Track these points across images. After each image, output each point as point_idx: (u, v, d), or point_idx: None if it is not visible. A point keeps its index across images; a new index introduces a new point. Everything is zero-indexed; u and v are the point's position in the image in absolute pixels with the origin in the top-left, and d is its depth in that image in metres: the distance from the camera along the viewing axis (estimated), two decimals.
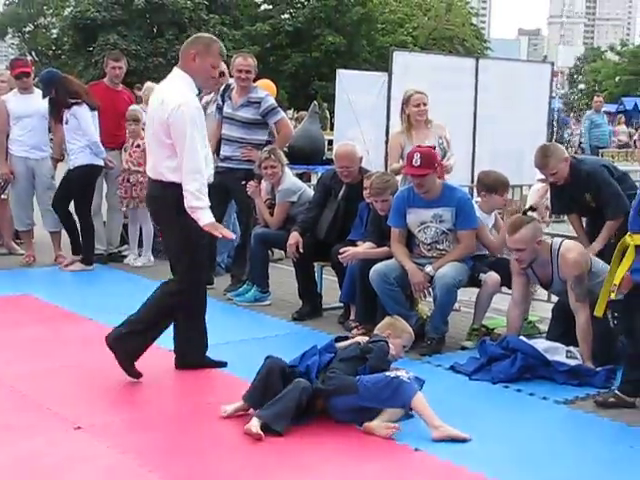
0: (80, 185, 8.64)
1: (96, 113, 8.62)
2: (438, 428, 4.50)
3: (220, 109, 7.81)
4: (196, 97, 5.29)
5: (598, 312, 5.37)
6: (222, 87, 7.89)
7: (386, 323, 5.27)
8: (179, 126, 5.07)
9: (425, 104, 7.33)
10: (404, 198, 6.35)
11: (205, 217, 5.11)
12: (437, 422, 4.53)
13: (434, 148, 6.53)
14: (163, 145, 5.18)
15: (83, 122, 8.48)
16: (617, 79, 62.60)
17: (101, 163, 8.72)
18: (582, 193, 6.26)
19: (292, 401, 4.54)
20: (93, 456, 4.26)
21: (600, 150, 17.84)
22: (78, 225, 8.76)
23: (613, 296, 4.93)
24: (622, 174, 6.51)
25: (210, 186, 7.86)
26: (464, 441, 4.47)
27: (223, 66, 8.15)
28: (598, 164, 6.50)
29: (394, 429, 4.50)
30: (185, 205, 5.09)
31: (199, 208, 5.09)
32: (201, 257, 5.46)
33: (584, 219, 6.60)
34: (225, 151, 7.74)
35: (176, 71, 5.32)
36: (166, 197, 5.21)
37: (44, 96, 8.60)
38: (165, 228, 5.58)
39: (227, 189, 7.73)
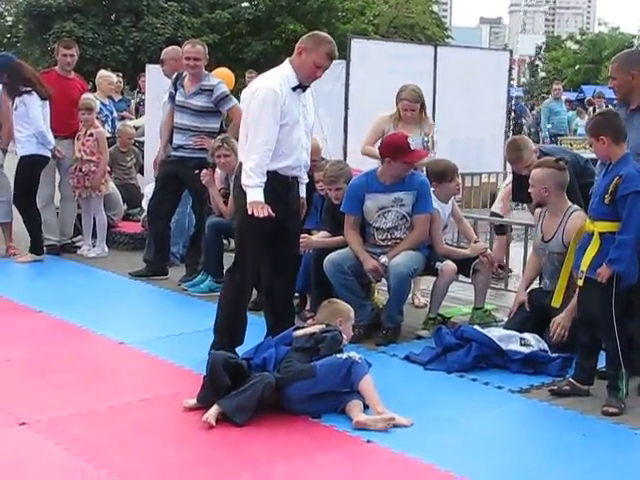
0: (22, 175, 8.46)
1: (47, 102, 8.44)
2: (381, 414, 4.49)
3: (172, 97, 7.67)
4: (287, 87, 5.22)
5: (556, 302, 5.36)
6: (175, 75, 7.77)
7: (331, 310, 5.22)
8: (251, 108, 5.21)
9: (413, 110, 7.20)
10: (361, 185, 6.26)
11: (250, 195, 5.15)
12: (380, 408, 4.53)
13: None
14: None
15: (31, 111, 8.28)
16: (577, 67, 63.06)
17: (48, 154, 8.50)
18: None
19: (255, 395, 4.50)
20: (39, 452, 4.16)
21: (559, 138, 17.89)
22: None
23: (580, 283, 4.91)
24: (585, 162, 6.51)
25: (163, 175, 7.86)
26: (406, 427, 4.47)
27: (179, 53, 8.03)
28: (565, 156, 6.45)
29: (390, 421, 4.43)
30: None
31: (247, 186, 5.15)
32: (251, 247, 5.36)
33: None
34: (178, 140, 7.61)
35: (285, 61, 5.40)
36: (238, 179, 5.33)
37: None
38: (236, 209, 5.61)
39: (180, 178, 7.63)
